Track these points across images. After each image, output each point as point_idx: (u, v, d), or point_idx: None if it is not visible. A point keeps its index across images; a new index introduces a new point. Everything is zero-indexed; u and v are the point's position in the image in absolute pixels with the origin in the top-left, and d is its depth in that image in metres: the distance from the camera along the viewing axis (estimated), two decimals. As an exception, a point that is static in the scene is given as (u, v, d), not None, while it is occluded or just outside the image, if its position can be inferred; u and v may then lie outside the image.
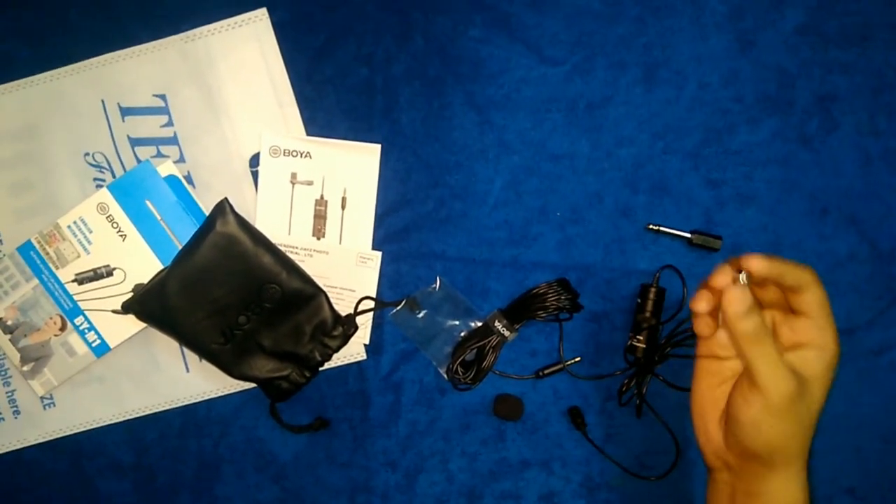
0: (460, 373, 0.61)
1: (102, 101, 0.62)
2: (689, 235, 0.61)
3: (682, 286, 0.61)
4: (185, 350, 0.62)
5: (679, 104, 0.62)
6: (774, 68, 0.62)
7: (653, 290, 0.60)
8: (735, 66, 0.61)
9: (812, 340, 0.46)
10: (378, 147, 0.61)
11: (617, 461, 0.62)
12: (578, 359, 0.62)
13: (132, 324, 0.60)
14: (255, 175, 0.62)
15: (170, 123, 0.62)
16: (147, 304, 0.58)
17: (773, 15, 0.61)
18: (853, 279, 0.62)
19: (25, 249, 0.60)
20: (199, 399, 0.63)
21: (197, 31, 0.61)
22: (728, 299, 0.44)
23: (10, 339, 0.60)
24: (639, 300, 0.60)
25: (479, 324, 0.62)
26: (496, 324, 0.60)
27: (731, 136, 0.62)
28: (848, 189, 0.62)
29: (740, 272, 0.45)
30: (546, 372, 0.62)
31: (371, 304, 0.61)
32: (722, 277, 0.45)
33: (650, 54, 0.62)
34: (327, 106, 0.62)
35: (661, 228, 0.61)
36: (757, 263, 0.45)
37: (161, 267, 0.60)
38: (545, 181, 0.62)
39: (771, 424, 0.45)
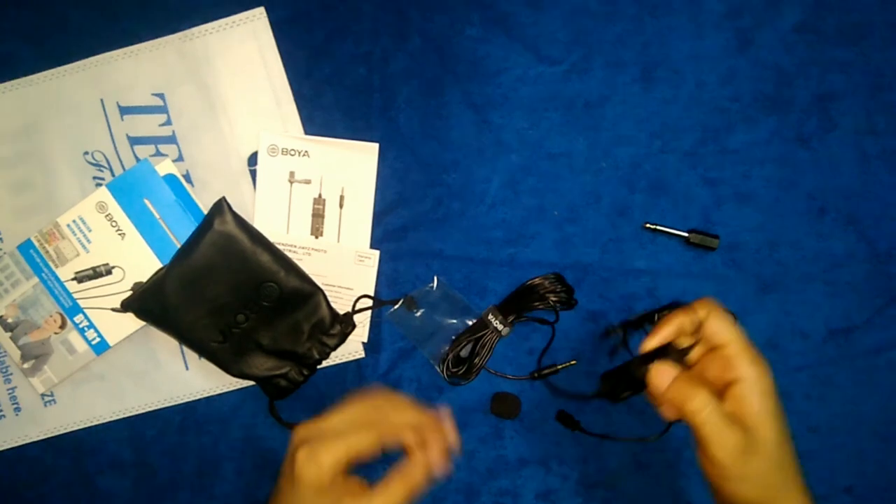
0: (450, 365, 0.61)
1: (101, 100, 0.62)
2: (686, 234, 0.61)
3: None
4: (185, 348, 0.63)
5: (676, 103, 0.62)
6: (772, 67, 0.61)
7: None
8: (733, 65, 0.61)
9: (738, 373, 0.46)
10: (376, 146, 0.62)
11: (619, 437, 0.61)
12: (574, 362, 0.62)
13: (132, 322, 0.60)
14: (253, 174, 0.62)
15: (168, 122, 0.62)
16: (146, 302, 0.58)
17: (770, 13, 0.61)
18: (851, 279, 0.62)
19: (25, 248, 0.60)
20: (199, 397, 0.63)
21: (195, 29, 0.62)
22: (652, 381, 0.46)
23: (10, 337, 0.61)
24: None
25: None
26: (490, 318, 0.60)
27: (728, 135, 0.62)
28: (846, 188, 0.62)
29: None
30: (542, 373, 0.62)
31: (369, 302, 0.62)
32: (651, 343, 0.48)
33: (648, 53, 0.62)
34: (325, 105, 0.62)
35: (659, 227, 0.61)
36: (648, 343, 0.48)
37: (160, 265, 0.60)
38: (543, 180, 0.62)
39: (733, 481, 0.45)
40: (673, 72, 0.62)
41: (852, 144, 0.61)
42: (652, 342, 0.48)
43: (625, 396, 0.51)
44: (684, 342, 0.48)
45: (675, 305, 0.52)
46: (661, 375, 0.46)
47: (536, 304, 0.59)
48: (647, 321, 0.55)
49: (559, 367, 0.62)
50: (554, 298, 0.59)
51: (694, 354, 0.48)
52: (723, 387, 0.46)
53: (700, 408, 0.44)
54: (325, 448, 0.46)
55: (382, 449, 0.47)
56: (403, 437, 0.47)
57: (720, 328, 0.47)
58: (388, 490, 0.46)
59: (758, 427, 0.45)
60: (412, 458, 0.47)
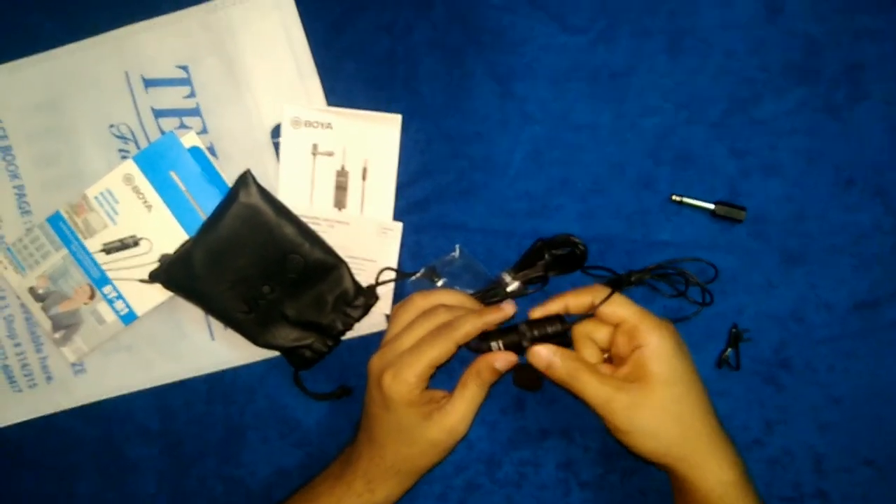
0: None
1: (126, 73, 0.62)
2: (712, 207, 0.60)
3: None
4: (211, 318, 0.63)
5: (704, 73, 0.61)
6: (802, 36, 0.60)
7: None
8: (761, 33, 0.60)
9: (639, 341, 0.51)
10: (399, 117, 0.61)
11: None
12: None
13: (159, 293, 0.61)
14: (276, 146, 0.62)
15: (192, 95, 0.62)
16: (173, 273, 0.59)
17: (801, -20, 0.60)
18: (878, 251, 0.61)
19: (55, 220, 0.61)
20: (225, 367, 0.64)
21: (218, 1, 0.61)
22: (532, 360, 0.53)
23: (41, 307, 0.62)
24: None
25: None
26: (505, 277, 0.60)
27: (756, 105, 0.61)
28: (874, 160, 0.61)
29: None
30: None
31: (392, 274, 0.62)
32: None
33: (675, 22, 0.61)
34: (348, 76, 0.62)
35: (685, 200, 0.61)
36: (534, 312, 0.55)
37: (186, 237, 0.61)
38: (567, 152, 0.62)
39: (627, 434, 0.51)
40: (700, 41, 0.61)
41: (882, 115, 0.60)
42: (538, 312, 0.55)
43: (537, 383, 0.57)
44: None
45: (665, 266, 0.59)
46: (537, 357, 0.53)
47: (553, 251, 0.59)
48: (635, 278, 0.59)
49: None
50: (567, 249, 0.60)
51: (605, 337, 0.54)
52: (631, 355, 0.52)
53: (582, 385, 0.51)
54: (407, 366, 0.52)
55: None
56: (471, 336, 0.53)
57: (614, 308, 0.53)
58: (465, 393, 0.53)
59: (649, 385, 0.50)
60: (481, 358, 0.53)
